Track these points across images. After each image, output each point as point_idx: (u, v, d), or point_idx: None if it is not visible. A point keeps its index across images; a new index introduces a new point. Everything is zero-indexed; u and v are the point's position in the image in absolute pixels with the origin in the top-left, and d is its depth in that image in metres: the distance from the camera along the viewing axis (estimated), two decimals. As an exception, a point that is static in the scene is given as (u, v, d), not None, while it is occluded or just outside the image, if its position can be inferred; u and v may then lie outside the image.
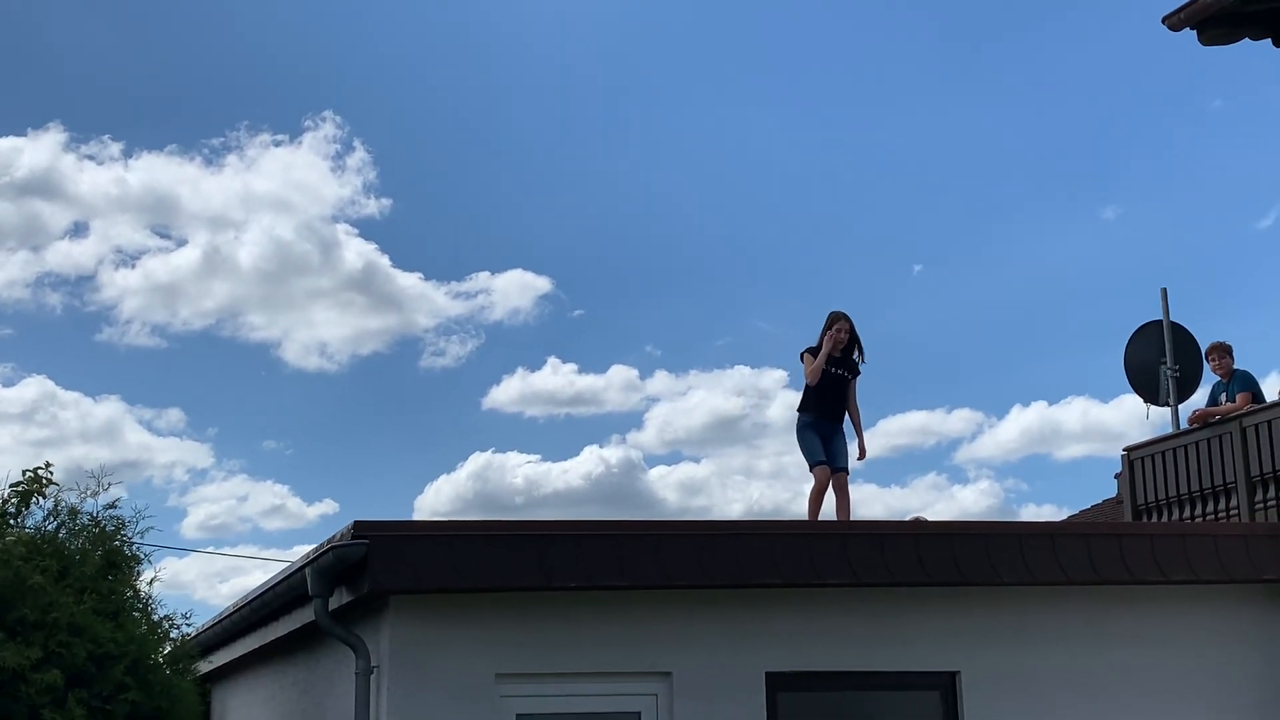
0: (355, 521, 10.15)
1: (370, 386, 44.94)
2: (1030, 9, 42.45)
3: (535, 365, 45.72)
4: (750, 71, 44.84)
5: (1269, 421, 13.32)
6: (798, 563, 10.94)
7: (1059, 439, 43.99)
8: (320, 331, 44.00)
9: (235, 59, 44.67)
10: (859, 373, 14.39)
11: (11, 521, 11.63)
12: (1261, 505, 13.29)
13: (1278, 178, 39.24)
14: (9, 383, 43.40)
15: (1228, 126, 41.02)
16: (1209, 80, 40.77)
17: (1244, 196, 40.50)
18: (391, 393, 45.50)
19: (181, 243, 44.12)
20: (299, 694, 13.13)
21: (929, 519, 13.72)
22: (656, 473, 43.90)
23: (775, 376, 43.23)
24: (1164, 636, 11.97)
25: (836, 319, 14.20)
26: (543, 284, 42.73)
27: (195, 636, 13.89)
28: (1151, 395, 16.40)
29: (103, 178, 42.06)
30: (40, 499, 11.79)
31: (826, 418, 14.17)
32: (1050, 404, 43.87)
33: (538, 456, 44.04)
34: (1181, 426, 15.27)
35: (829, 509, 14.00)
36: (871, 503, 40.93)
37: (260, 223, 42.88)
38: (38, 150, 41.05)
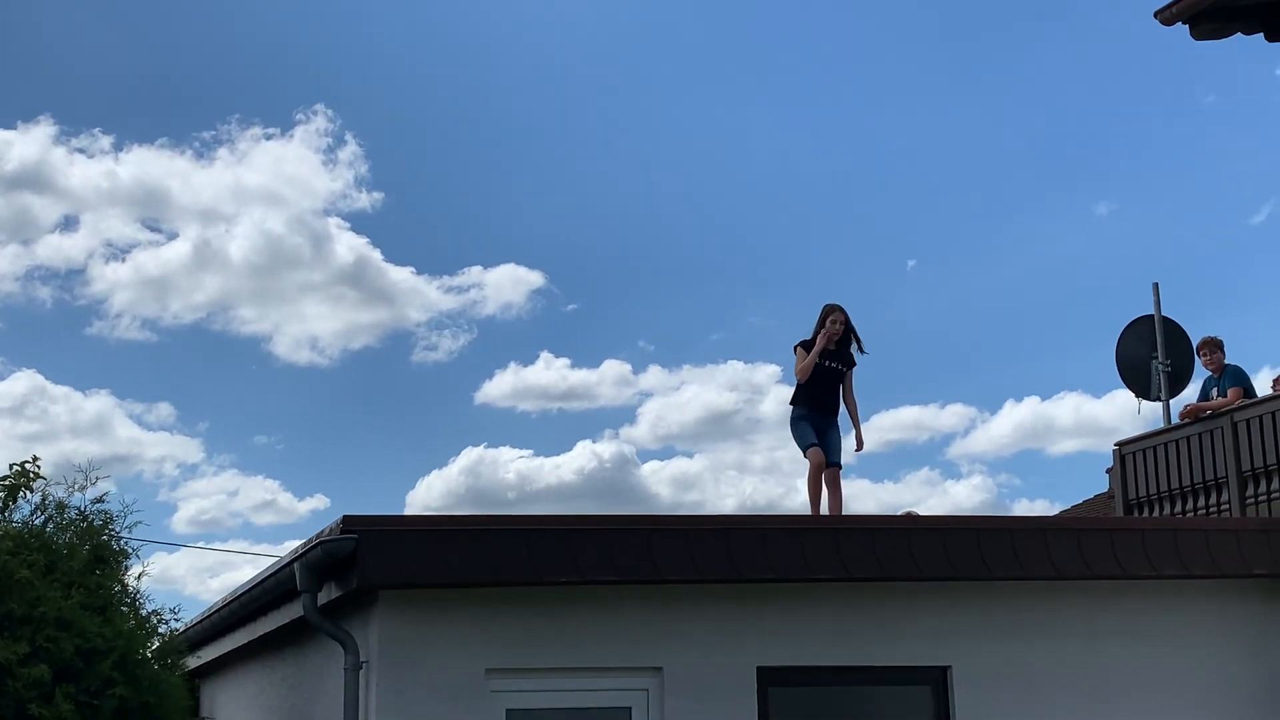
0: (344, 516, 10.11)
1: (362, 381, 44.97)
2: (1023, 5, 42.50)
3: (528, 360, 45.83)
4: (745, 67, 44.90)
5: (1260, 416, 13.33)
6: (789, 557, 10.91)
7: (1052, 434, 44.12)
8: (311, 325, 44.06)
9: (226, 52, 44.69)
10: (855, 364, 14.34)
11: (-2, 516, 11.58)
12: (1252, 500, 13.30)
13: (1271, 173, 39.32)
14: (-1, 377, 43.33)
15: (1221, 122, 41.14)
16: (1202, 76, 40.83)
17: (1237, 192, 40.62)
18: (383, 387, 45.53)
19: (172, 236, 44.20)
20: (288, 689, 13.09)
21: (921, 514, 13.72)
22: (649, 468, 43.99)
23: (769, 371, 43.32)
24: (1155, 631, 11.96)
25: (830, 311, 14.16)
26: (535, 278, 42.81)
27: (184, 632, 13.84)
28: (1143, 390, 16.39)
29: (93, 171, 42.10)
30: (27, 493, 11.74)
31: (819, 411, 14.13)
32: (1043, 399, 43.95)
33: (530, 451, 44.09)
34: (1173, 421, 15.27)
35: (824, 505, 13.97)
36: (864, 498, 40.98)
37: (251, 216, 42.90)
38: (28, 143, 41.08)
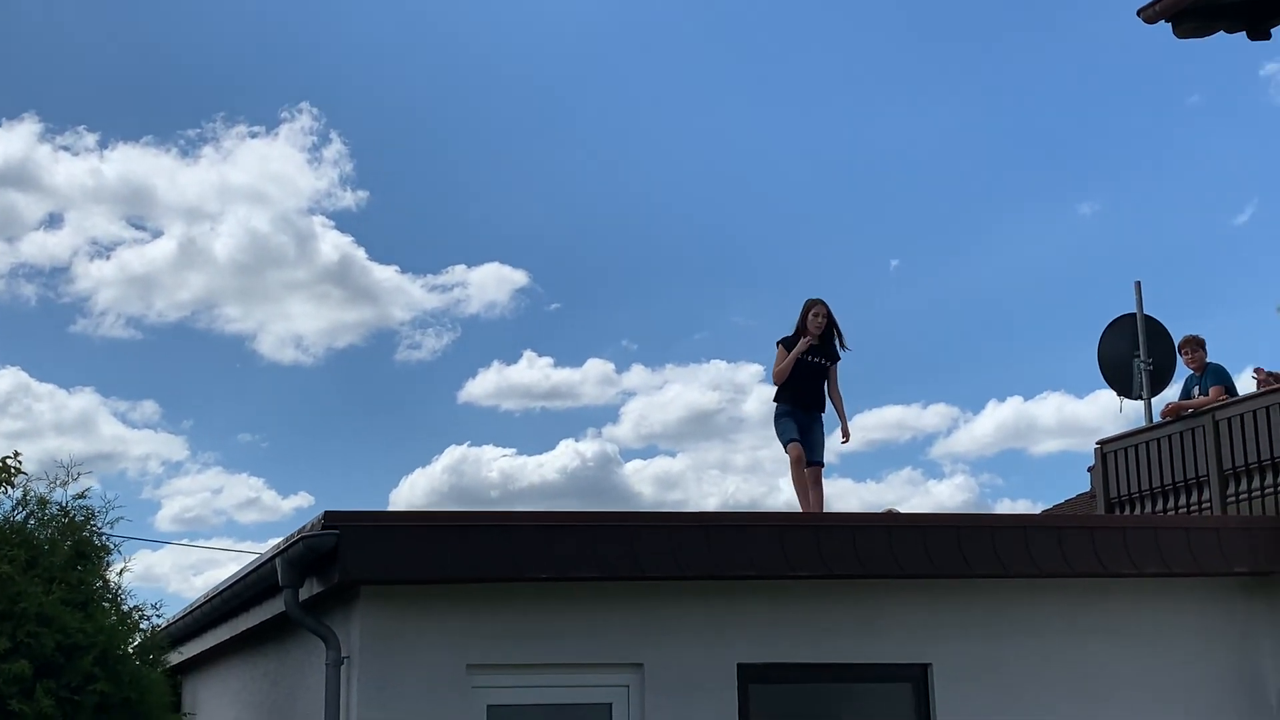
0: (326, 511, 10.11)
1: (346, 379, 44.89)
2: (1007, 5, 42.54)
3: (511, 359, 45.73)
4: (728, 67, 44.88)
5: (1241, 415, 13.35)
6: (770, 554, 10.92)
7: (1034, 434, 44.12)
8: (296, 324, 43.95)
9: (212, 50, 44.56)
10: (838, 359, 14.31)
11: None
12: (1234, 498, 13.32)
13: (1254, 173, 39.35)
14: (-18, 374, 43.21)
15: (1205, 122, 41.17)
16: (1186, 76, 40.86)
17: (1221, 192, 40.68)
18: (367, 386, 45.45)
19: (157, 234, 44.03)
20: (270, 685, 13.08)
21: (902, 512, 13.71)
22: (632, 466, 43.93)
23: (751, 371, 43.30)
24: (1136, 629, 11.98)
25: (812, 305, 14.14)
26: (519, 277, 42.72)
27: (166, 627, 13.82)
28: (1125, 388, 16.39)
29: (78, 168, 41.95)
30: (9, 488, 11.72)
31: (803, 407, 14.10)
32: (1026, 399, 43.88)
33: (513, 450, 43.97)
34: (1155, 420, 15.29)
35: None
36: (847, 497, 40.95)
37: (236, 214, 42.75)
38: (12, 141, 40.93)
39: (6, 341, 43.93)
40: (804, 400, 14.11)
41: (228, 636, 13.47)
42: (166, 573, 39.68)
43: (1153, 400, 16.19)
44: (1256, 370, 15.04)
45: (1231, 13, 14.88)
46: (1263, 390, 13.82)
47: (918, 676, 11.49)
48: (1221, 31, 15.05)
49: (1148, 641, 11.99)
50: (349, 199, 43.36)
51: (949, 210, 43.76)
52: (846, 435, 14.34)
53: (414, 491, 40.33)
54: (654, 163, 45.27)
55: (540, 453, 47.57)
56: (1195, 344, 15.01)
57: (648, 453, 46.49)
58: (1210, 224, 41.52)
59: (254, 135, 43.47)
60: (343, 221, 46.58)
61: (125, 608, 11.90)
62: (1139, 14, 14.95)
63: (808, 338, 14.04)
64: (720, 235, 45.35)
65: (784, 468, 13.99)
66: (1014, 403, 43.01)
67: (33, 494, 11.72)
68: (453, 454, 42.63)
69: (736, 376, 44.18)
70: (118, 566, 12.06)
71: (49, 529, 11.58)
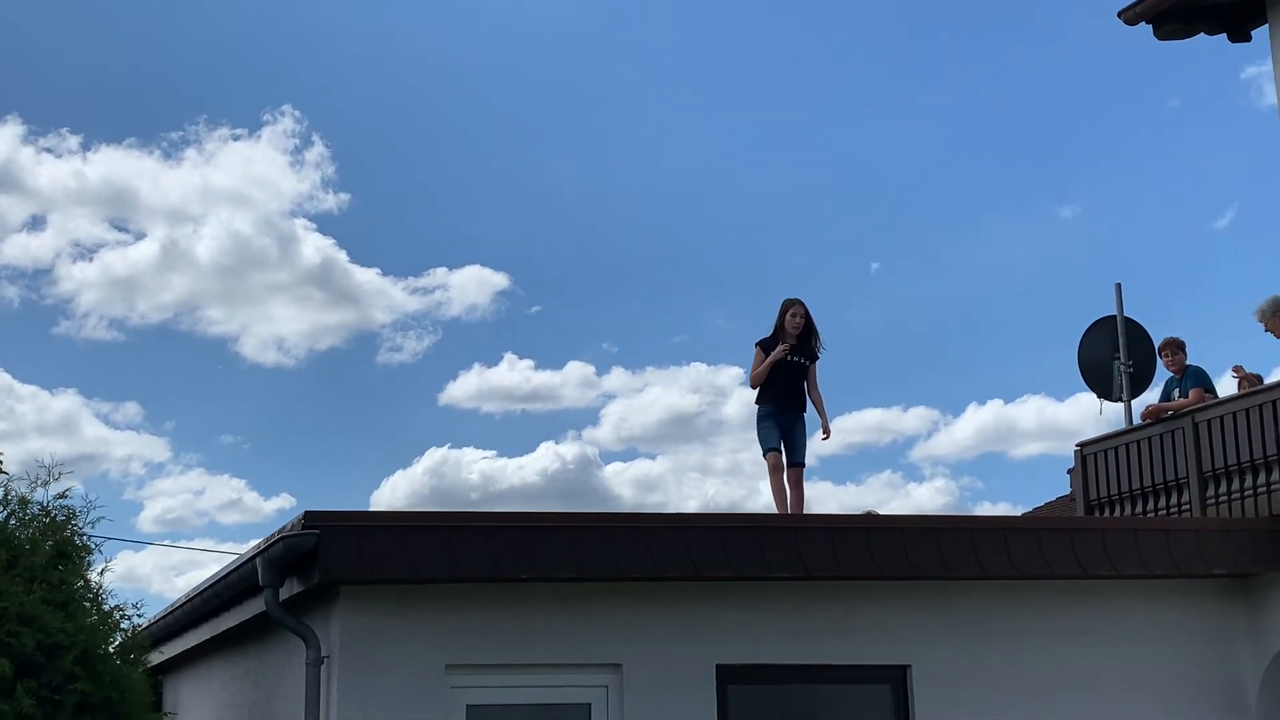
0: (306, 511, 10.12)
1: (327, 381, 44.83)
2: (986, 8, 42.59)
3: (492, 361, 45.60)
4: (707, 71, 44.88)
5: (1221, 417, 13.38)
6: (748, 555, 10.94)
7: (1014, 437, 44.17)
8: (278, 326, 43.90)
9: (194, 52, 44.48)
10: (817, 358, 14.33)
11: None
12: (1213, 500, 13.35)
13: (1235, 177, 39.42)
14: (-36, 376, 43.12)
15: (1186, 125, 41.22)
16: (1167, 79, 40.91)
17: (1202, 195, 40.73)
18: (348, 388, 45.40)
19: (140, 236, 43.97)
20: (250, 685, 13.08)
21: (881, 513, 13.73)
22: (612, 469, 43.93)
23: (732, 374, 43.30)
24: (1115, 631, 12.02)
25: (790, 305, 14.15)
26: (500, 280, 42.68)
27: (147, 627, 13.81)
28: (1105, 390, 16.41)
29: (61, 171, 41.88)
30: (-11, 488, 11.69)
31: (783, 408, 14.11)
32: (1006, 402, 43.92)
33: (494, 452, 44.01)
34: (1134, 422, 15.32)
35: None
36: (827, 500, 40.99)
37: (219, 217, 42.67)
38: (-6, 143, 40.82)
39: (-11, 343, 43.85)
40: (785, 400, 14.11)
41: (208, 636, 13.48)
42: (148, 573, 39.65)
43: (1133, 402, 16.21)
44: (1236, 368, 15.08)
45: (1213, 14, 14.93)
46: (1242, 392, 13.85)
47: (897, 678, 11.52)
48: (1203, 33, 15.10)
49: (1127, 643, 12.03)
50: (331, 202, 43.35)
51: (929, 213, 43.81)
52: (827, 433, 14.36)
53: (395, 493, 40.35)
54: (635, 166, 45.31)
55: (521, 455, 47.51)
56: (1175, 346, 15.03)
57: (628, 455, 46.47)
58: (1191, 227, 41.62)
59: (236, 138, 43.46)
60: (324, 224, 46.52)
61: (106, 607, 11.89)
62: (1120, 15, 15.00)
63: (784, 344, 14.05)
64: (701, 238, 45.40)
65: (764, 470, 14.01)
66: (994, 405, 43.04)
67: (14, 494, 11.71)
68: (433, 456, 42.60)
69: (716, 379, 44.21)
70: (99, 566, 12.06)
71: (30, 529, 11.56)
